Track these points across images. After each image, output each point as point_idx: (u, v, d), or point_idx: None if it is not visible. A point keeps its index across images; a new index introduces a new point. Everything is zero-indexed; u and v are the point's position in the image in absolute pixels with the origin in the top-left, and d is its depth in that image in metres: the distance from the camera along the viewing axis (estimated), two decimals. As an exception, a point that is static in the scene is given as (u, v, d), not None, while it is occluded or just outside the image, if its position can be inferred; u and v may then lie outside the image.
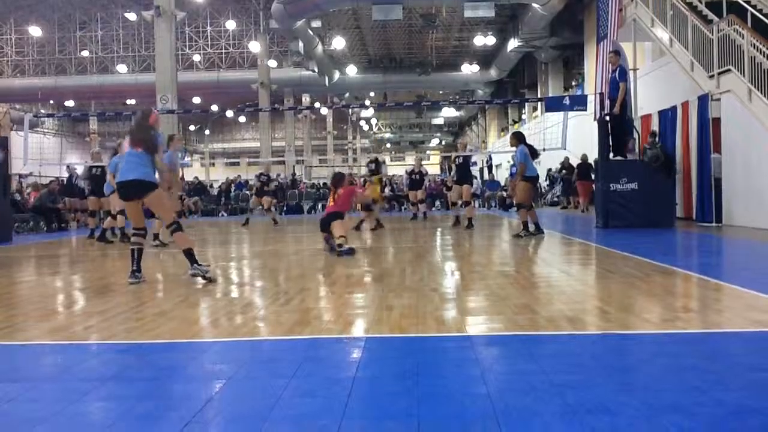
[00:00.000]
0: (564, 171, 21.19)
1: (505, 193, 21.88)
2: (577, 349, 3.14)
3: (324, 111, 46.95)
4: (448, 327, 3.63)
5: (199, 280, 5.59)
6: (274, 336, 3.60)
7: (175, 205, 9.66)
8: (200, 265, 5.64)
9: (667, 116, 12.48)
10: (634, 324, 3.62)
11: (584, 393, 2.40)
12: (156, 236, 9.54)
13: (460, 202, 12.46)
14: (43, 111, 40.84)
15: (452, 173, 11.58)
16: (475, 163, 33.28)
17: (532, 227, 9.58)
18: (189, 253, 5.64)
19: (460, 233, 11.01)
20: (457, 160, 12.37)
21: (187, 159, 24.28)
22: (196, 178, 28.90)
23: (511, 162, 20.49)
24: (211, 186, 25.88)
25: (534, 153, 9.65)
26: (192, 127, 53.94)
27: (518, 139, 9.81)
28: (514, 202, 11.27)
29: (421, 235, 10.94)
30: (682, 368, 2.72)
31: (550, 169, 25.52)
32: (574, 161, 19.63)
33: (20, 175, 21.32)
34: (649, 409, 2.22)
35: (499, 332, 3.50)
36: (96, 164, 12.32)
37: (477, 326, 3.65)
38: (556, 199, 22.80)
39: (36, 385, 2.75)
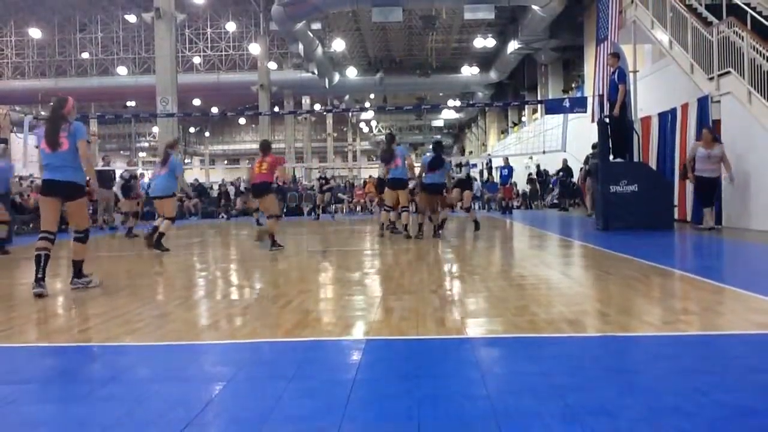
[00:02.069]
0: (561, 173, 21.21)
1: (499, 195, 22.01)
2: (577, 351, 3.14)
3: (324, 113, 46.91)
4: (447, 329, 3.63)
5: (201, 281, 5.60)
6: (274, 338, 3.60)
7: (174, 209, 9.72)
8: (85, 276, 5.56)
9: (666, 118, 12.49)
10: (634, 326, 3.62)
11: (584, 395, 2.40)
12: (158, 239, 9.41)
13: (459, 206, 12.42)
14: (43, 113, 40.78)
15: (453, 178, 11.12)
16: (475, 165, 33.34)
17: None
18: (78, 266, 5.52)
19: (460, 235, 11.00)
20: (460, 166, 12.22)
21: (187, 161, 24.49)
22: (196, 180, 28.91)
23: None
24: (211, 188, 25.87)
25: (435, 165, 9.92)
26: (192, 129, 54.02)
27: (433, 147, 10.40)
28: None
29: (419, 237, 10.93)
30: (682, 370, 2.72)
31: (547, 172, 25.64)
32: (576, 164, 19.70)
33: (20, 177, 21.32)
34: (650, 411, 2.22)
35: (499, 334, 3.50)
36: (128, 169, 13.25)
37: (477, 328, 3.65)
38: (555, 201, 22.82)
39: (36, 387, 2.75)
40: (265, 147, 8.97)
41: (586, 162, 18.72)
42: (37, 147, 5.41)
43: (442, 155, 10.03)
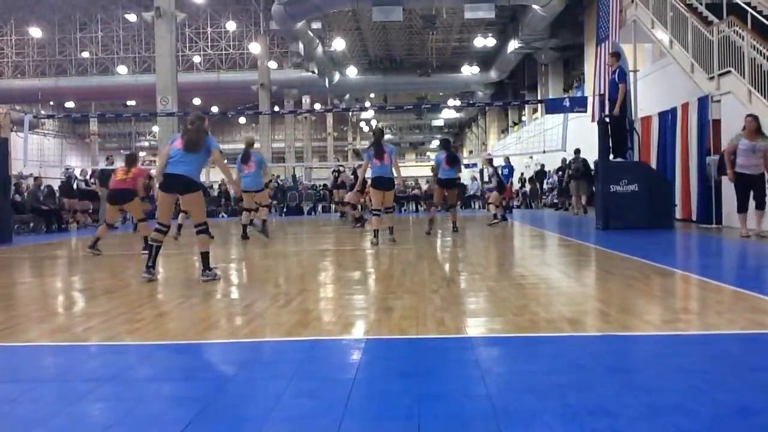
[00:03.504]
0: (560, 173, 21.21)
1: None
2: (577, 350, 3.14)
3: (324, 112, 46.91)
4: (448, 328, 3.63)
5: (201, 279, 5.66)
6: (274, 337, 3.60)
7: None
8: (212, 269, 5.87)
9: (667, 118, 12.48)
10: (634, 325, 3.62)
11: (585, 394, 2.40)
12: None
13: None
14: (43, 112, 40.80)
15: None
16: (475, 165, 33.34)
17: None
18: (205, 257, 5.86)
19: (462, 236, 11.01)
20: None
21: None
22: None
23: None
24: (211, 187, 25.85)
25: (452, 161, 10.81)
26: (192, 129, 53.96)
27: (441, 145, 11.52)
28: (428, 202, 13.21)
29: (419, 237, 10.93)
30: (682, 369, 2.72)
31: (545, 173, 25.68)
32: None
33: (20, 176, 21.33)
34: (650, 410, 2.22)
35: (500, 333, 3.50)
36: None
37: (477, 327, 3.65)
38: (555, 200, 22.82)
39: (36, 386, 2.75)
40: (132, 160, 9.09)
41: (568, 166, 18.97)
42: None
43: (455, 153, 10.80)
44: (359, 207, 14.51)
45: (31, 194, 15.56)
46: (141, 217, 9.23)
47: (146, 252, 8.08)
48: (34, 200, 15.37)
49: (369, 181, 10.03)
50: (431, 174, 11.50)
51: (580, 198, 17.93)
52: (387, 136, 63.39)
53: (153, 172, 10.31)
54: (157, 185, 6.16)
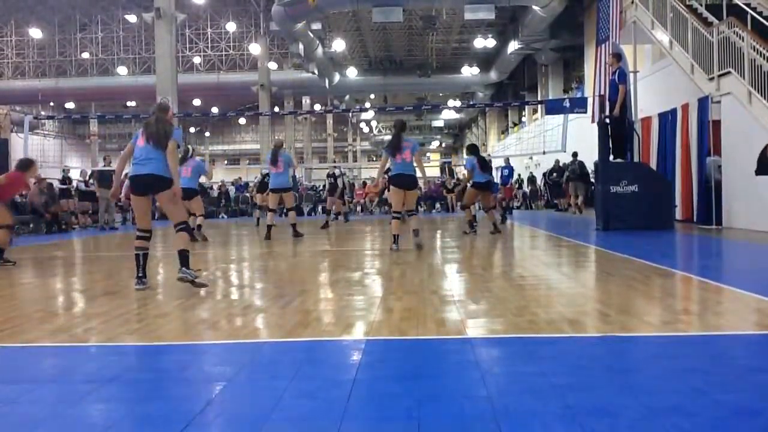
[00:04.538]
0: (555, 174, 21.28)
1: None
2: (577, 351, 3.14)
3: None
4: (448, 329, 3.63)
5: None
6: (274, 338, 3.60)
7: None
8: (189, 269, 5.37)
9: (667, 118, 12.48)
10: (634, 326, 3.62)
11: (584, 395, 2.40)
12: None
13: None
14: (43, 113, 40.88)
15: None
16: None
17: (466, 227, 11.17)
18: (183, 255, 5.37)
19: (460, 236, 11.01)
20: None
21: None
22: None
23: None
24: (211, 188, 25.85)
25: (484, 165, 11.04)
26: (192, 129, 53.99)
27: (470, 150, 11.42)
28: (461, 204, 13.48)
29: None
30: (682, 370, 2.72)
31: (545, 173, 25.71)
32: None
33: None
34: (650, 411, 2.22)
35: (499, 334, 3.50)
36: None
37: (477, 328, 3.65)
38: (554, 201, 22.84)
39: (36, 387, 2.75)
40: (25, 165, 8.53)
41: (566, 168, 19.30)
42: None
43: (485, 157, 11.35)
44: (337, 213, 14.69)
45: (34, 195, 15.54)
46: (8, 223, 8.25)
47: (8, 263, 7.67)
48: (38, 202, 15.36)
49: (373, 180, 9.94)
50: (465, 178, 11.73)
51: (577, 198, 18.54)
52: (387, 137, 63.47)
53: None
54: (122, 190, 5.82)
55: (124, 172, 6.26)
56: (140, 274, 5.46)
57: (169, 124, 5.53)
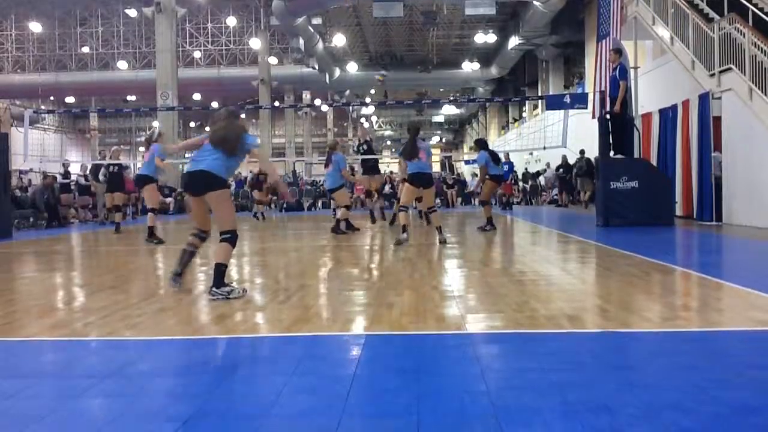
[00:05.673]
0: (561, 170, 21.24)
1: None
2: (577, 347, 3.14)
3: (324, 108, 46.86)
4: (447, 324, 3.63)
5: (201, 276, 5.58)
6: (274, 333, 3.61)
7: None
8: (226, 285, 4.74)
9: (667, 115, 12.47)
10: (634, 322, 3.62)
11: (584, 391, 2.40)
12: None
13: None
14: (43, 107, 40.70)
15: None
16: (475, 161, 33.23)
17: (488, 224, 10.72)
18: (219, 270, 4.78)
19: (460, 232, 11.01)
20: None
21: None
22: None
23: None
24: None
25: (496, 158, 10.96)
26: (192, 124, 53.94)
27: (479, 145, 11.28)
28: (479, 199, 13.41)
29: (418, 233, 10.93)
30: (682, 367, 2.72)
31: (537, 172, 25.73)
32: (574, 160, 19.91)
33: (20, 171, 21.32)
34: (649, 407, 2.22)
35: (499, 330, 3.51)
36: (113, 162, 13.02)
37: (477, 324, 3.65)
38: (555, 197, 22.83)
39: (36, 381, 2.75)
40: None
41: (568, 166, 19.52)
42: None
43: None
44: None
45: (37, 192, 15.53)
46: None
47: None
48: (40, 198, 15.35)
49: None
50: (480, 174, 11.47)
51: (585, 194, 18.94)
52: (387, 132, 63.43)
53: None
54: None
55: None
56: (177, 270, 5.07)
57: (241, 129, 5.20)
